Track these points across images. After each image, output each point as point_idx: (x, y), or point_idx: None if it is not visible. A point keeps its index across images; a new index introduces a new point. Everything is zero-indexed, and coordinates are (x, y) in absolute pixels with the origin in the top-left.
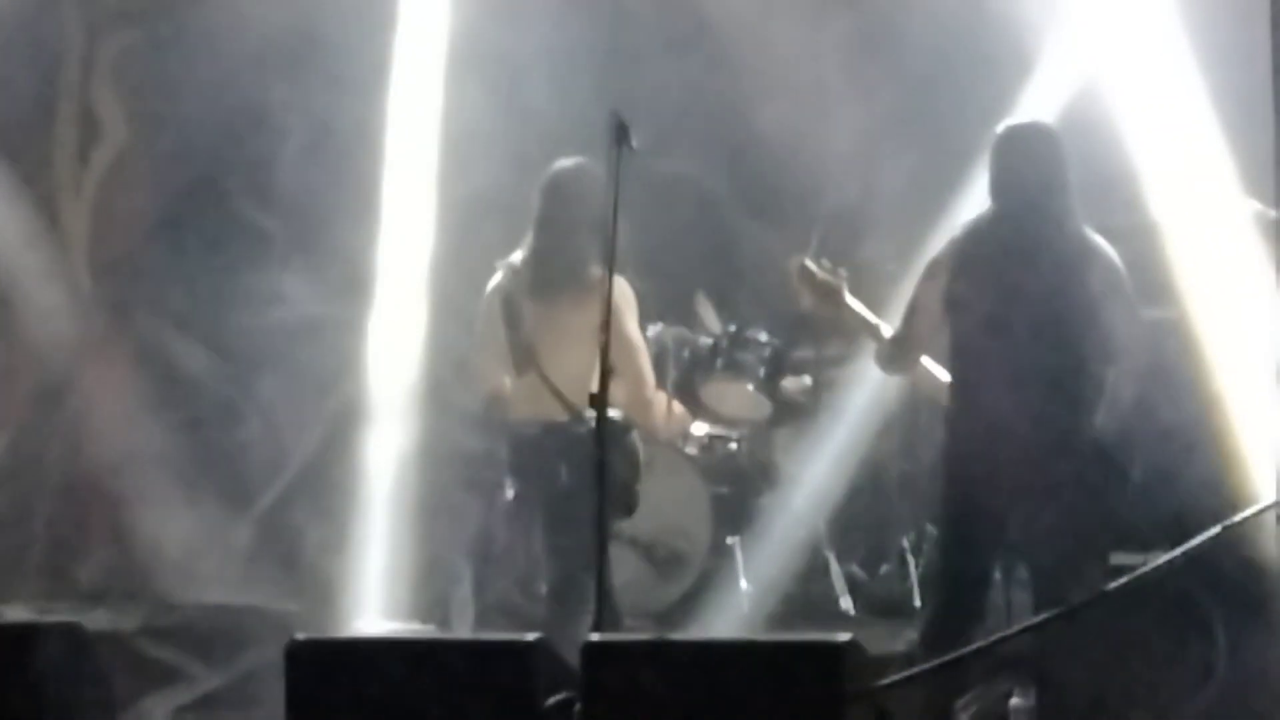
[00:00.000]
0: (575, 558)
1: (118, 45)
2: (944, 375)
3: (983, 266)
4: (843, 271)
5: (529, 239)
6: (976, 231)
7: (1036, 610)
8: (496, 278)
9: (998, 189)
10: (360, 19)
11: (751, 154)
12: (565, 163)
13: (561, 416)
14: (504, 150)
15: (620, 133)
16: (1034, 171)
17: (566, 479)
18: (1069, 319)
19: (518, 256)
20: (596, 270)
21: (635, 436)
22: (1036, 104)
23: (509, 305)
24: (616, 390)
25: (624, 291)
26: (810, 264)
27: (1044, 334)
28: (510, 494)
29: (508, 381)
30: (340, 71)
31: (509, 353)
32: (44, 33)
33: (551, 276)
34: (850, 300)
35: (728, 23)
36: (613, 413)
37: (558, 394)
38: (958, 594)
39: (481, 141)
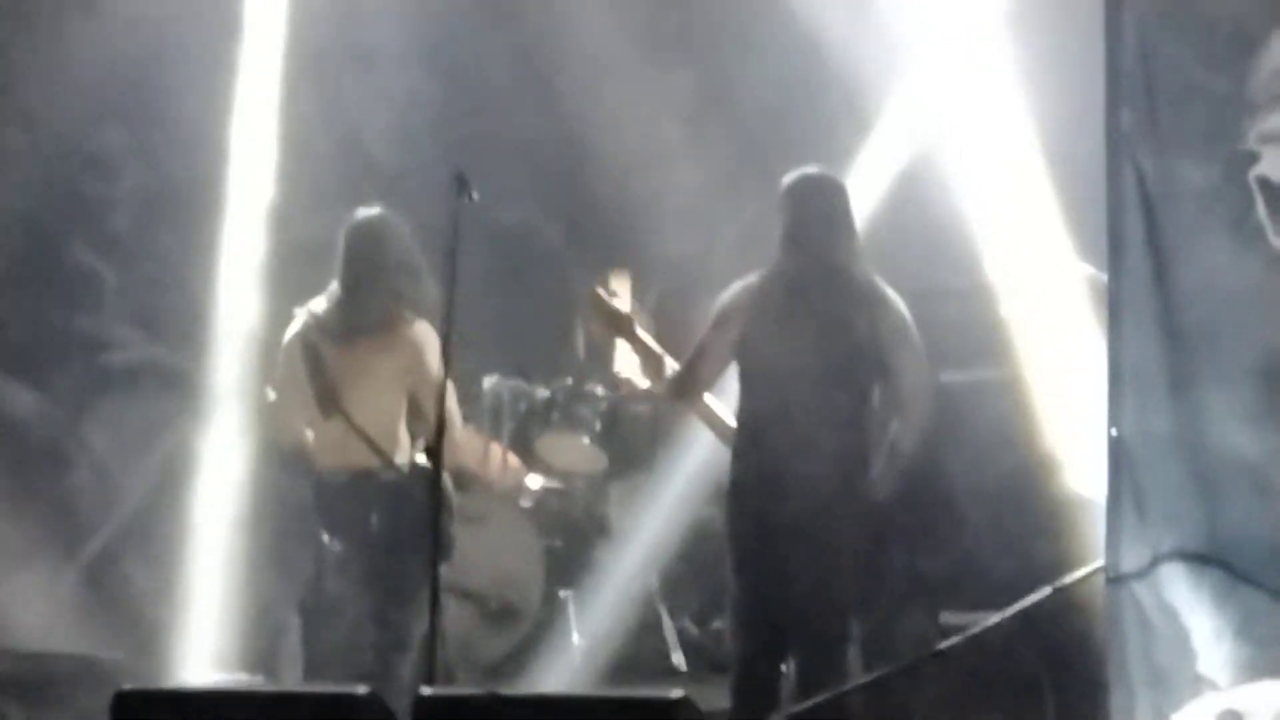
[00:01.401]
0: (391, 606)
1: None
2: (729, 417)
3: (775, 316)
4: (635, 303)
5: (332, 286)
6: (769, 282)
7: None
8: (296, 324)
9: (788, 239)
10: (198, 62)
11: (590, 206)
12: (367, 211)
13: (369, 462)
14: (340, 198)
15: (461, 184)
16: (822, 221)
17: (378, 526)
18: (857, 368)
19: (318, 303)
20: (401, 314)
21: (446, 478)
22: (873, 163)
23: (310, 351)
24: (422, 431)
25: (428, 334)
26: (601, 292)
27: (832, 383)
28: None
29: (309, 431)
30: (176, 114)
31: (313, 399)
32: None
33: (355, 322)
34: (640, 332)
35: (569, 74)
36: (419, 457)
37: (366, 439)
38: (752, 635)
39: (318, 189)
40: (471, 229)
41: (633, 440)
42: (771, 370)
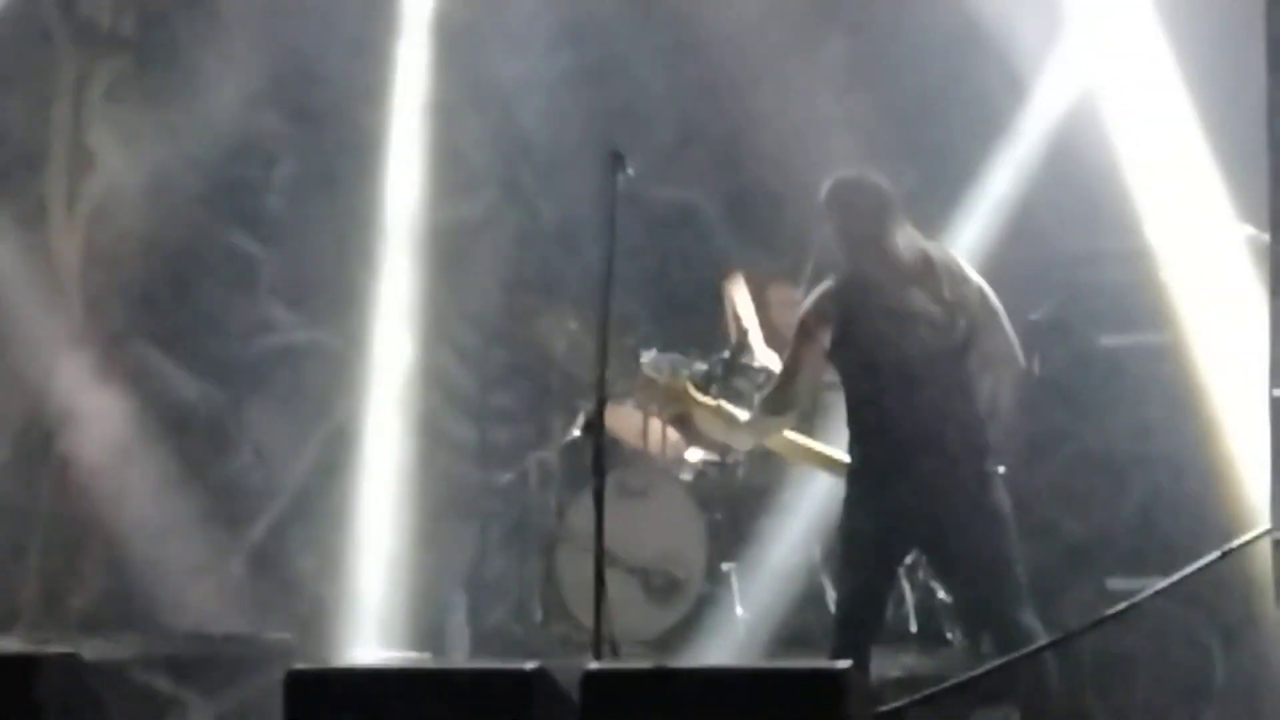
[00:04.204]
0: None
1: (109, 74)
2: (810, 442)
3: (860, 313)
4: (684, 371)
5: None
6: (846, 283)
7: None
8: None
9: (846, 241)
10: (351, 44)
11: (745, 180)
12: None
13: None
14: (495, 176)
15: (616, 160)
16: (876, 218)
17: None
18: (949, 342)
19: None
20: None
21: None
22: (1029, 129)
23: None
24: None
25: None
26: (649, 371)
27: (931, 360)
28: None
29: None
30: (329, 98)
31: None
32: (34, 63)
33: None
34: (698, 396)
35: (720, 49)
36: None
37: None
38: (852, 628)
39: (472, 168)
40: (626, 205)
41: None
42: (872, 363)
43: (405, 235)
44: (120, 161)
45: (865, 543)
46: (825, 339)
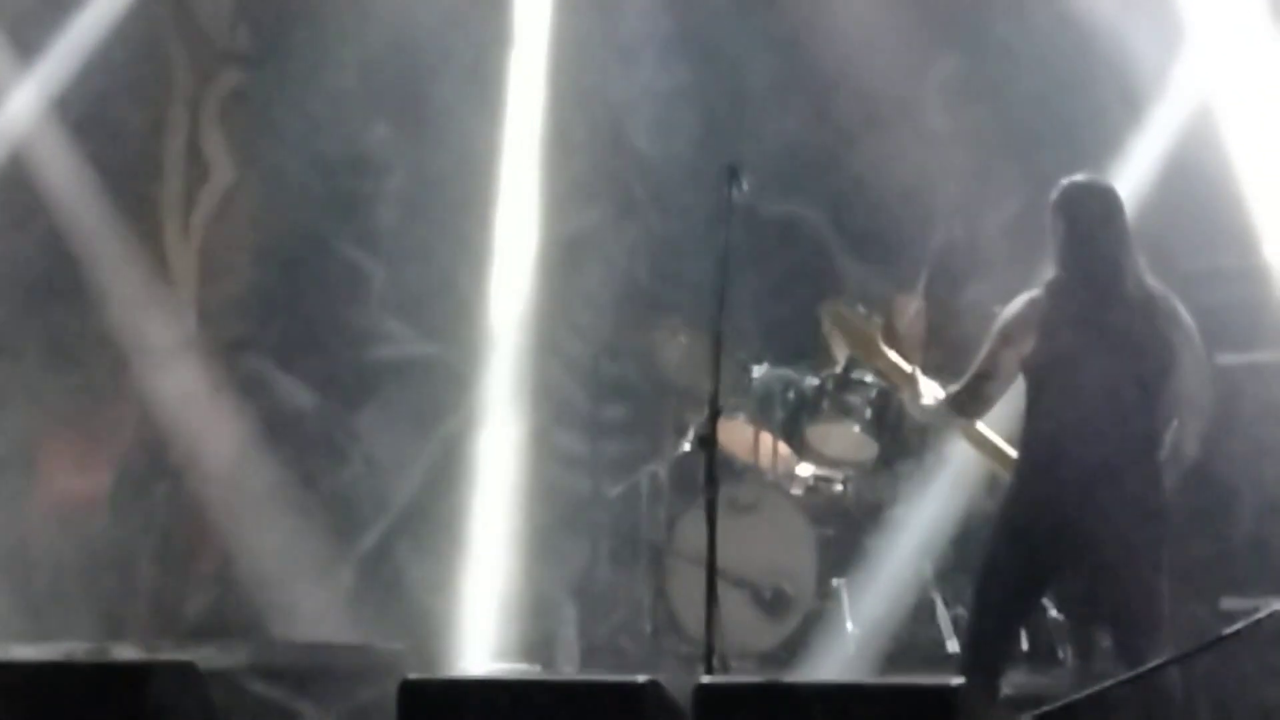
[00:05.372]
0: None
1: (224, 87)
2: (993, 437)
3: (1068, 328)
4: (877, 319)
5: None
6: (1055, 294)
7: (1118, 659)
8: None
9: (1068, 250)
10: (464, 62)
11: (857, 195)
12: None
13: None
14: (607, 190)
15: (731, 175)
16: (1106, 229)
17: None
18: (1148, 377)
19: None
20: None
21: None
22: (1146, 147)
23: None
24: None
25: None
26: (843, 308)
27: (1124, 391)
28: None
29: None
30: (442, 112)
31: None
32: (152, 76)
33: None
34: (885, 349)
35: (831, 64)
36: None
37: None
38: (992, 636)
39: (585, 181)
40: (739, 218)
41: (903, 427)
42: (1065, 382)
43: (517, 248)
44: (234, 172)
45: (1016, 557)
46: (1025, 346)
